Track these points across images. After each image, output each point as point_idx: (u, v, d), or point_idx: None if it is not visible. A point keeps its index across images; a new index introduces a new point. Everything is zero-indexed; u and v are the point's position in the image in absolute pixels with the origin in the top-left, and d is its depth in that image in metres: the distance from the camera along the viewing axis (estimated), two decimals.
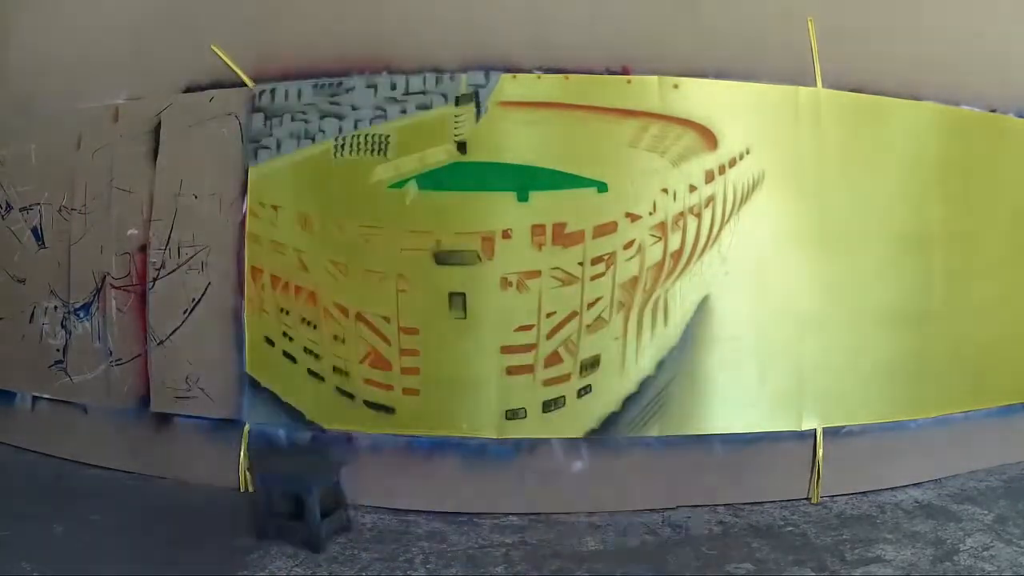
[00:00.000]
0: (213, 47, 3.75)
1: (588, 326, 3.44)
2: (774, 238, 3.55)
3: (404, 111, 3.50)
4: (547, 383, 3.43)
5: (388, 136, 3.49)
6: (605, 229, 3.43)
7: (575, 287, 3.43)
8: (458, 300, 3.43)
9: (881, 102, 3.66)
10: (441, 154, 3.44)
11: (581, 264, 3.42)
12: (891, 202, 3.69)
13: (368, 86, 3.54)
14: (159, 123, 3.85)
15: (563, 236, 3.41)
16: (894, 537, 3.17)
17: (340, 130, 3.54)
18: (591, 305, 3.44)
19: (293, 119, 3.61)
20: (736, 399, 3.54)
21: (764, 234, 3.53)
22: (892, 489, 3.64)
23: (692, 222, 3.47)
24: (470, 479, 3.47)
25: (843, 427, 3.61)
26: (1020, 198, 3.95)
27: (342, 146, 3.53)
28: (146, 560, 2.97)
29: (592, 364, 3.45)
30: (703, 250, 3.49)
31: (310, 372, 3.60)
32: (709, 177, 3.48)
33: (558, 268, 3.42)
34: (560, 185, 3.41)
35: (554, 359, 3.43)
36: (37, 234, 4.20)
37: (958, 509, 3.43)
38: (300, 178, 3.57)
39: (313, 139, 3.56)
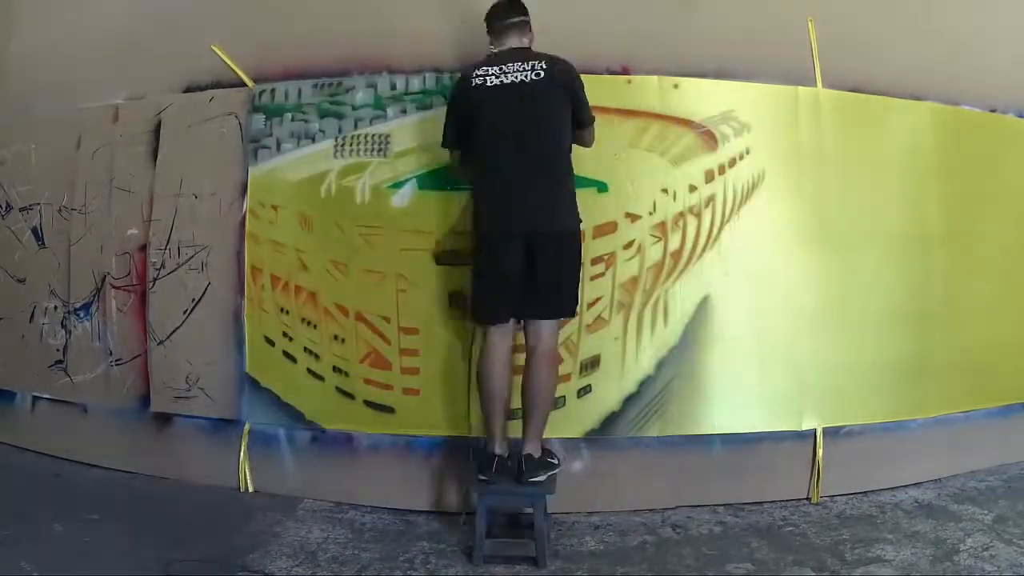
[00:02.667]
0: (213, 47, 3.76)
1: (588, 326, 3.44)
2: (774, 238, 3.55)
3: (404, 111, 3.50)
4: None
5: (388, 136, 3.50)
6: (605, 229, 3.43)
7: None
8: (458, 300, 3.43)
9: (881, 102, 3.66)
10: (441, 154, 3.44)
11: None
12: (891, 202, 3.69)
13: (368, 86, 3.54)
14: (159, 123, 3.86)
15: None
16: (894, 537, 3.18)
17: (340, 130, 3.54)
18: (591, 305, 3.44)
19: (293, 119, 3.61)
20: (736, 399, 3.55)
21: (764, 234, 3.54)
22: (892, 489, 3.64)
23: (692, 222, 3.47)
24: (470, 479, 3.47)
25: (843, 427, 3.61)
26: (1020, 198, 3.95)
27: (342, 146, 3.53)
28: (146, 560, 2.97)
29: (592, 364, 3.45)
30: (703, 250, 3.49)
31: (310, 372, 3.60)
32: (709, 177, 3.48)
33: None
34: None
35: None
36: (37, 234, 4.20)
37: (958, 509, 3.44)
38: (300, 178, 3.57)
39: (313, 139, 3.57)
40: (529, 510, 3.08)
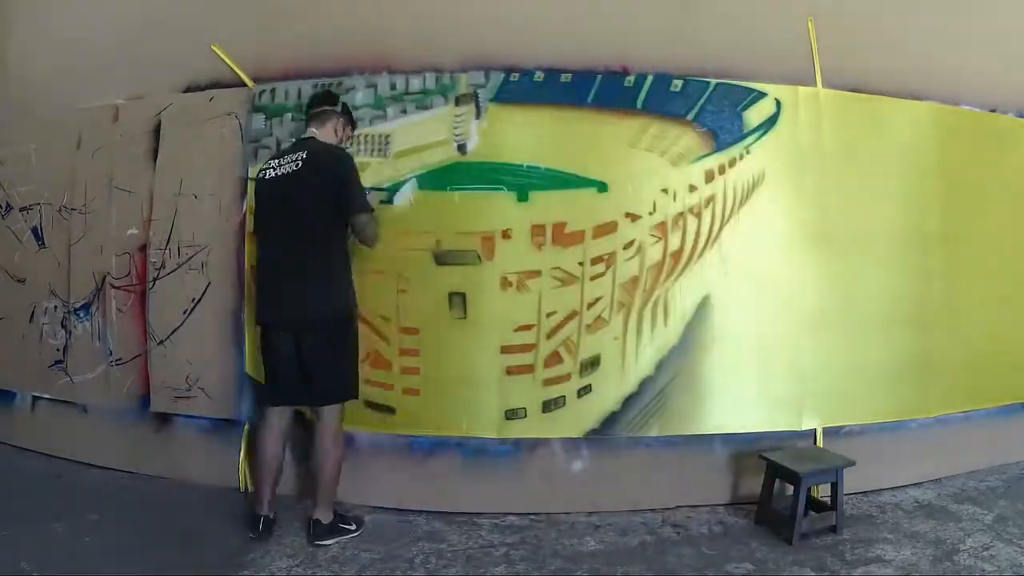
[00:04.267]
0: (213, 47, 3.76)
1: (588, 326, 3.44)
2: (774, 238, 3.55)
3: (404, 111, 3.50)
4: (547, 383, 3.44)
5: (388, 136, 3.50)
6: (605, 229, 3.43)
7: (575, 287, 3.43)
8: (458, 300, 3.43)
9: (881, 102, 3.67)
10: (441, 154, 3.45)
11: (581, 264, 3.43)
12: (891, 202, 3.69)
13: (368, 86, 3.54)
14: (159, 123, 3.86)
15: (563, 236, 3.41)
16: (894, 537, 3.18)
17: None
18: (591, 305, 3.44)
19: (293, 119, 3.61)
20: (736, 399, 3.55)
21: (764, 234, 3.54)
22: (892, 489, 3.65)
23: (692, 222, 3.47)
24: (470, 479, 3.48)
25: (843, 427, 3.61)
26: (1020, 198, 3.95)
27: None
28: (146, 560, 2.97)
29: (592, 364, 3.45)
30: (703, 250, 3.49)
31: None
32: (709, 177, 3.48)
33: (558, 268, 3.42)
34: (560, 185, 3.42)
35: (554, 359, 3.43)
36: (37, 234, 4.20)
37: (958, 509, 3.44)
38: None
39: None
40: None
